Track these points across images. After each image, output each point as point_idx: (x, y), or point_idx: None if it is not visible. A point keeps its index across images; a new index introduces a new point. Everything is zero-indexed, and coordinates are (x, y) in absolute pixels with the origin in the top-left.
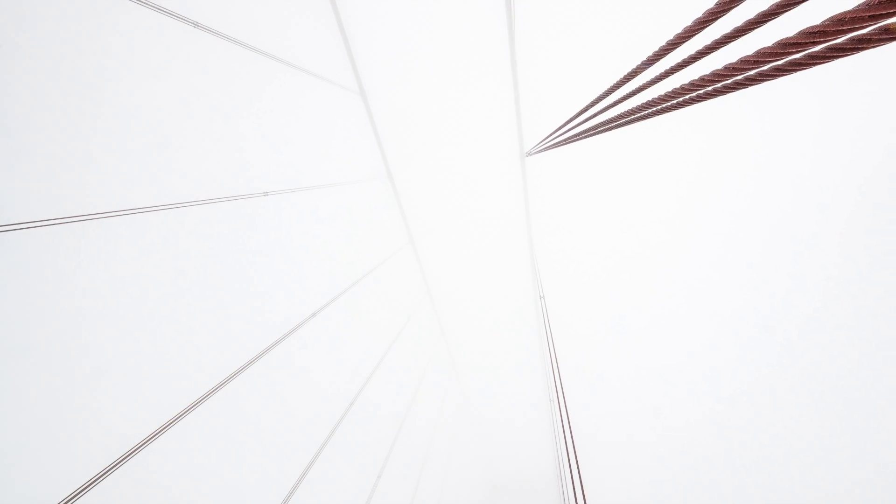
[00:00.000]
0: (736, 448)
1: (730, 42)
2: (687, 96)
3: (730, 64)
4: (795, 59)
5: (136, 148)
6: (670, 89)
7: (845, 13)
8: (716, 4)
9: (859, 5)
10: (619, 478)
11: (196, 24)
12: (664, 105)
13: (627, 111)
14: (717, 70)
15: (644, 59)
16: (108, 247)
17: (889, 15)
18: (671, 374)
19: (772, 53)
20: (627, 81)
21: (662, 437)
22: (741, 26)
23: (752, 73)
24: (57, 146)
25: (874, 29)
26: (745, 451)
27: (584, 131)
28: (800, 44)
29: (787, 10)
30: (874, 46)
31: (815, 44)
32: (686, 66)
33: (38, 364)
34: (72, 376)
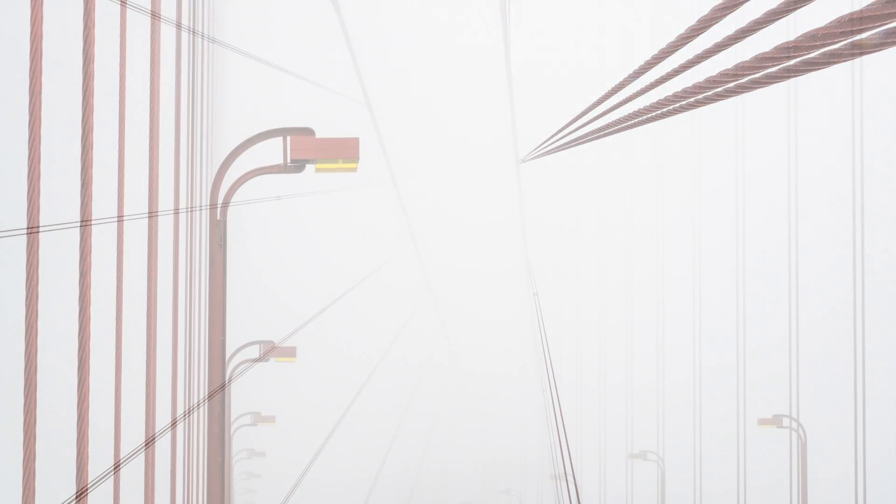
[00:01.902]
0: (713, 430)
1: (711, 56)
2: (670, 107)
3: (711, 77)
4: (771, 72)
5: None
6: (655, 101)
7: (818, 30)
8: (697, 21)
9: (830, 22)
10: (603, 455)
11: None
12: (649, 115)
13: (614, 121)
14: (699, 82)
15: (630, 72)
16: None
17: (857, 31)
18: (652, 361)
19: (750, 67)
20: (614, 94)
21: (644, 419)
22: (721, 42)
23: (731, 85)
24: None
25: (845, 44)
26: (722, 437)
27: (572, 141)
28: (776, 58)
29: (762, 28)
30: (844, 60)
31: (789, 58)
32: (670, 78)
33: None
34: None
